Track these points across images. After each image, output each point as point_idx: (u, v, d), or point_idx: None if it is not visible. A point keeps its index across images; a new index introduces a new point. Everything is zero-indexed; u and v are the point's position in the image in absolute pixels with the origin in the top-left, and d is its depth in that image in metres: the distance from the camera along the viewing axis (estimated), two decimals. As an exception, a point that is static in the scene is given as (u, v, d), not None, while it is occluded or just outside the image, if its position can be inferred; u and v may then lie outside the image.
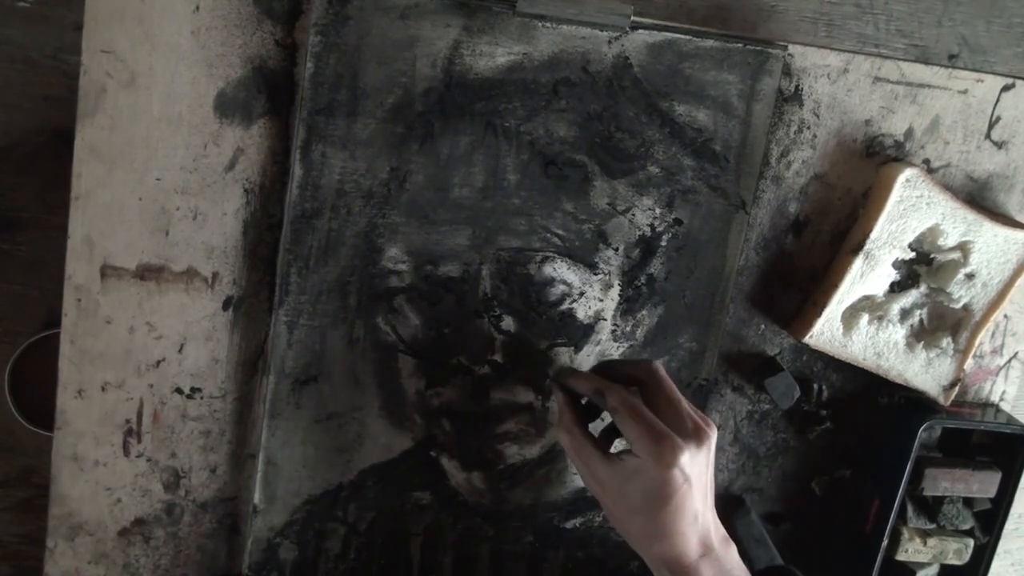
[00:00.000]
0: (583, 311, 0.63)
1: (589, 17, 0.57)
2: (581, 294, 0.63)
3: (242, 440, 0.62)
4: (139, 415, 0.60)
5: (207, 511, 0.63)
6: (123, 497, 0.61)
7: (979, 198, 0.68)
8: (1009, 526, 0.71)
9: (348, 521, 0.63)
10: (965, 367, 0.68)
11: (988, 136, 0.67)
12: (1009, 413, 0.72)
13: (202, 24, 0.55)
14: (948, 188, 0.65)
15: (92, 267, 0.57)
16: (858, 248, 0.64)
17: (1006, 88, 0.66)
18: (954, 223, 0.64)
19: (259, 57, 0.56)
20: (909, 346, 0.67)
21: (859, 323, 0.65)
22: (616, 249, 0.62)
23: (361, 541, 0.64)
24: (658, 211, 0.62)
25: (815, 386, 0.68)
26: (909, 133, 0.66)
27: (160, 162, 0.56)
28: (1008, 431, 0.69)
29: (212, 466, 0.62)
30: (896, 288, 0.67)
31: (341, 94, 0.56)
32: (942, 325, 0.68)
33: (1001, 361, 0.72)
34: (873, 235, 0.63)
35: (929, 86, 0.65)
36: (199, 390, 0.61)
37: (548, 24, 0.57)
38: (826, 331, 0.65)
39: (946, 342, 0.67)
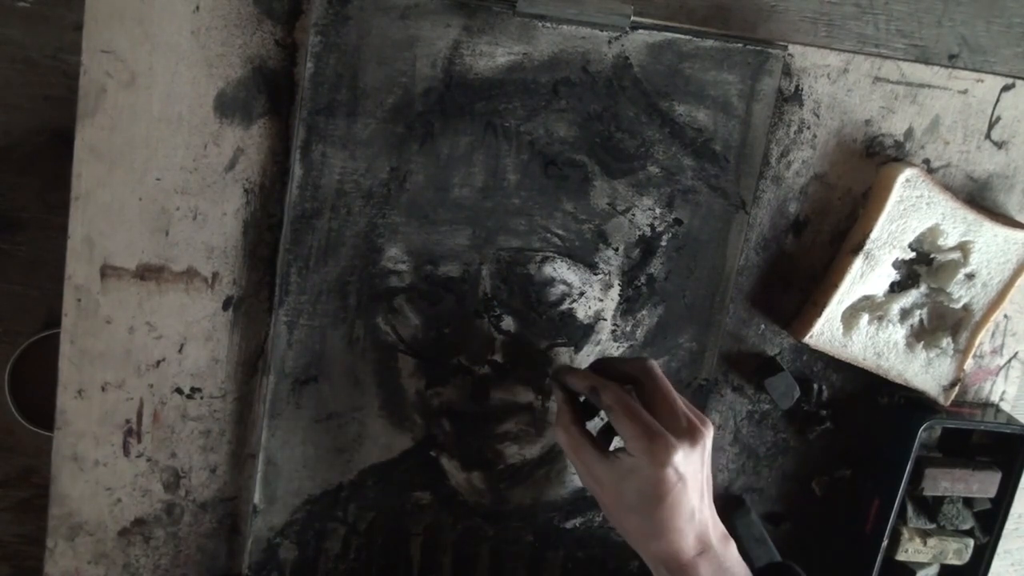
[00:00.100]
0: (583, 311, 0.63)
1: (589, 17, 0.57)
2: (581, 294, 0.62)
3: (242, 440, 0.62)
4: (139, 415, 0.60)
5: (207, 511, 0.63)
6: (123, 497, 0.61)
7: (979, 198, 0.68)
8: (1009, 526, 0.71)
9: (348, 521, 0.63)
10: (965, 367, 0.68)
11: (988, 136, 0.67)
12: (1009, 413, 0.72)
13: (202, 24, 0.55)
14: (948, 188, 0.65)
15: (92, 267, 0.57)
16: (858, 248, 0.64)
17: (1006, 88, 0.66)
18: (954, 223, 0.64)
19: (259, 57, 0.56)
20: (909, 346, 0.67)
21: (859, 323, 0.65)
22: (616, 249, 0.62)
23: (361, 541, 0.64)
24: (658, 211, 0.62)
25: (815, 386, 0.68)
26: (909, 133, 0.66)
27: (160, 162, 0.56)
28: (1008, 431, 0.69)
29: (212, 466, 0.62)
30: (896, 288, 0.67)
31: (341, 94, 0.56)
32: (942, 325, 0.68)
33: (1001, 361, 0.72)
34: (873, 235, 0.63)
35: (929, 86, 0.65)
36: (199, 390, 0.61)
37: (548, 24, 0.57)
38: (826, 331, 0.65)
39: (946, 342, 0.67)
